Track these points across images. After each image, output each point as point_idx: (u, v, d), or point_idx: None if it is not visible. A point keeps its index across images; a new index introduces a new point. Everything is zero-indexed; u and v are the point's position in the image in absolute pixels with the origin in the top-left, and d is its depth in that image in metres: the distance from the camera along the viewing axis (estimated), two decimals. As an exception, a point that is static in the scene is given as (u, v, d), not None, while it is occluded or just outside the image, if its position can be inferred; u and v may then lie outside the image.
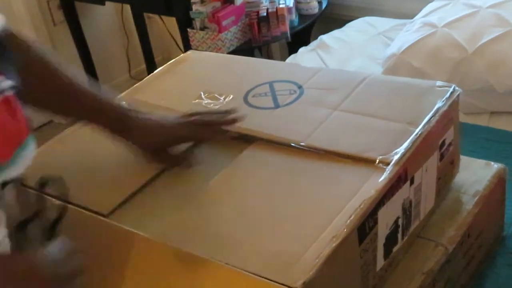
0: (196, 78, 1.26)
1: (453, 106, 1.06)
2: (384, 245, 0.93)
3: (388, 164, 0.92)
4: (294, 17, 2.81)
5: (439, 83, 1.09)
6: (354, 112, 1.06)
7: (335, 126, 1.03)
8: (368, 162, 0.93)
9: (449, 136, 1.07)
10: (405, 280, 0.98)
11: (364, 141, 0.98)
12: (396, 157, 0.92)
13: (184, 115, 1.03)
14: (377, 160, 0.93)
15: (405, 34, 2.10)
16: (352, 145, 0.97)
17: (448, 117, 1.05)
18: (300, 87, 1.15)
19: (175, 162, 1.01)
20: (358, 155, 0.95)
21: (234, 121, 1.03)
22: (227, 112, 1.04)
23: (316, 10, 2.90)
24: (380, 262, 0.94)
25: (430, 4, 2.23)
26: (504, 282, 1.17)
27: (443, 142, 1.06)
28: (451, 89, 1.06)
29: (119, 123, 1.00)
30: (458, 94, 1.07)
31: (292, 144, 1.00)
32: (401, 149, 0.94)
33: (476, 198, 1.12)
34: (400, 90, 1.12)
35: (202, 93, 1.17)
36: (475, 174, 1.18)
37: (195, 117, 1.02)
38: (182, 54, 1.37)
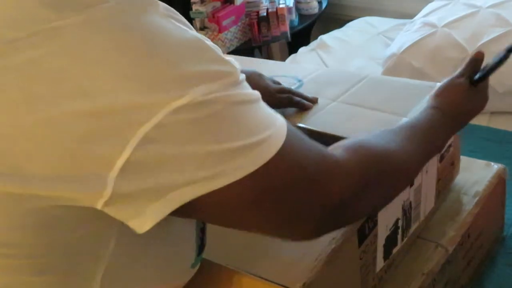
0: None
1: None
2: (384, 246, 0.93)
3: None
4: (294, 17, 2.81)
5: (439, 84, 1.08)
6: (353, 104, 1.06)
7: (333, 113, 1.03)
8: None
9: None
10: (405, 281, 0.98)
11: (360, 128, 0.98)
12: None
13: (276, 86, 1.06)
14: None
15: (405, 34, 2.10)
16: (348, 130, 0.97)
17: None
18: (299, 80, 1.15)
19: None
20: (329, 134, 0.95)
21: (309, 108, 1.06)
22: (311, 100, 1.07)
23: (316, 10, 2.90)
24: (380, 263, 0.94)
25: (430, 4, 2.23)
26: (504, 282, 1.17)
27: None
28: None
29: None
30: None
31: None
32: None
33: (476, 199, 1.12)
34: (399, 89, 1.12)
35: None
36: (475, 174, 1.18)
37: (286, 94, 1.05)
38: None
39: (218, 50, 0.57)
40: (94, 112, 0.49)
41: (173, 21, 0.55)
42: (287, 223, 0.60)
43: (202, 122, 0.53)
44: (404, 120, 0.81)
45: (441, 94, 0.90)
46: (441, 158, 1.05)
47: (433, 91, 0.91)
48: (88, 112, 0.49)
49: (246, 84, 0.59)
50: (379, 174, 0.67)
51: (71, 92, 0.50)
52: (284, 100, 1.04)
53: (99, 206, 0.52)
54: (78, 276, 0.59)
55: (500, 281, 1.17)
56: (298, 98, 1.05)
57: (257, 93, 0.59)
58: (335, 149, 0.65)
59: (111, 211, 0.53)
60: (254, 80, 1.02)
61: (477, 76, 0.92)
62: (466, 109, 0.91)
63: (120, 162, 0.50)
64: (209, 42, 0.57)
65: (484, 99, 0.95)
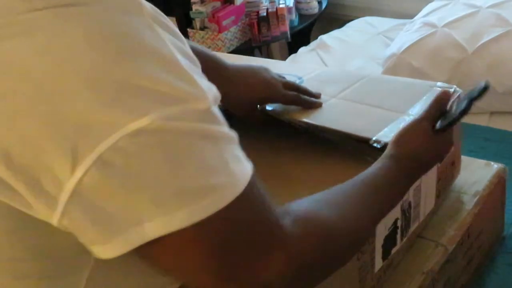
0: None
1: None
2: (383, 246, 0.93)
3: (379, 143, 0.90)
4: (294, 17, 2.81)
5: (439, 83, 1.08)
6: (352, 100, 1.06)
7: (333, 109, 1.03)
8: (362, 141, 0.93)
9: None
10: (405, 280, 0.98)
11: (360, 123, 0.98)
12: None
13: (283, 80, 1.03)
14: (371, 140, 0.92)
15: (405, 34, 2.10)
16: (347, 125, 0.97)
17: None
18: (300, 78, 1.14)
19: (260, 122, 1.03)
20: (353, 134, 0.94)
21: (319, 105, 1.03)
22: (314, 96, 1.05)
23: (316, 10, 2.90)
24: (379, 263, 0.93)
25: (430, 4, 2.23)
26: (504, 282, 1.17)
27: None
28: (451, 90, 1.05)
29: (214, 74, 0.99)
30: (459, 95, 1.06)
31: (291, 120, 0.99)
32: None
33: (476, 198, 1.12)
34: (399, 88, 1.12)
35: None
36: (475, 174, 1.18)
37: (294, 92, 1.03)
38: None
39: (192, 71, 0.53)
40: (52, 118, 0.47)
41: (155, 26, 0.52)
42: (225, 284, 0.55)
43: (157, 152, 0.49)
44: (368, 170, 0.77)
45: (400, 140, 0.84)
46: None
47: (394, 135, 0.85)
48: (46, 116, 0.47)
49: (216, 117, 0.54)
50: (326, 252, 0.63)
51: (32, 92, 0.47)
52: (291, 97, 1.02)
53: (54, 223, 0.50)
54: (61, 282, 0.58)
55: (500, 280, 1.17)
56: (305, 97, 1.04)
57: (226, 132, 0.54)
58: (286, 215, 0.59)
59: (67, 230, 0.51)
60: (260, 74, 1.01)
61: (439, 125, 0.85)
62: (426, 158, 0.85)
63: (71, 184, 0.47)
64: (183, 62, 0.52)
65: (448, 145, 0.89)
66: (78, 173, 0.47)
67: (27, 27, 0.48)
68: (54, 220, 0.49)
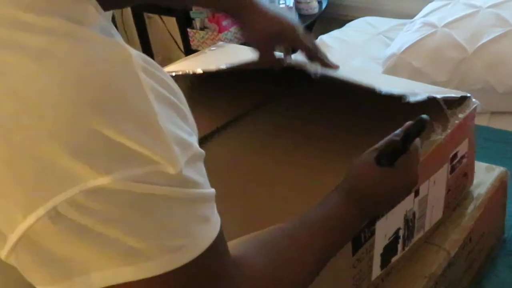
0: (221, 58, 1.28)
1: (469, 118, 1.01)
2: (382, 255, 0.92)
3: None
4: (294, 17, 2.81)
5: (454, 91, 1.04)
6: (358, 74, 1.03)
7: (342, 72, 1.04)
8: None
9: (462, 148, 1.04)
10: (407, 284, 0.99)
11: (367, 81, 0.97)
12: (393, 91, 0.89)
13: (304, 30, 1.03)
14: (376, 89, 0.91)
15: (405, 34, 2.10)
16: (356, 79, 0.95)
17: (462, 129, 1.01)
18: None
19: (277, 63, 1.03)
20: (360, 83, 0.93)
21: (333, 67, 1.04)
22: (331, 64, 1.04)
23: (316, 10, 2.89)
24: (376, 271, 0.92)
25: (430, 4, 2.23)
26: (504, 284, 1.18)
27: (455, 155, 1.03)
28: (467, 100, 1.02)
29: (235, 4, 1.00)
30: (476, 107, 1.02)
31: (303, 67, 1.00)
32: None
33: (478, 202, 1.13)
34: (404, 81, 1.11)
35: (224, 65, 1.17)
36: (477, 177, 1.18)
37: (311, 43, 1.02)
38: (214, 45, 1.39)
39: (168, 132, 0.49)
40: (12, 160, 0.45)
41: (141, 76, 0.49)
42: None
43: (113, 210, 0.47)
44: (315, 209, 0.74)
45: (351, 173, 0.76)
46: (452, 170, 1.04)
47: (348, 167, 0.78)
48: (6, 157, 0.46)
49: (187, 180, 0.50)
50: None
51: None
52: (307, 45, 1.00)
53: (2, 257, 0.49)
54: None
55: (500, 282, 1.18)
56: (323, 55, 1.02)
57: (196, 193, 0.52)
58: (237, 272, 0.58)
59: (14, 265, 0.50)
60: (284, 14, 1.00)
61: (380, 156, 0.75)
62: (378, 192, 0.75)
63: (21, 228, 0.46)
64: (162, 122, 0.49)
65: (407, 178, 0.77)
66: (30, 219, 0.46)
67: (2, 68, 0.47)
68: (2, 255, 0.49)
